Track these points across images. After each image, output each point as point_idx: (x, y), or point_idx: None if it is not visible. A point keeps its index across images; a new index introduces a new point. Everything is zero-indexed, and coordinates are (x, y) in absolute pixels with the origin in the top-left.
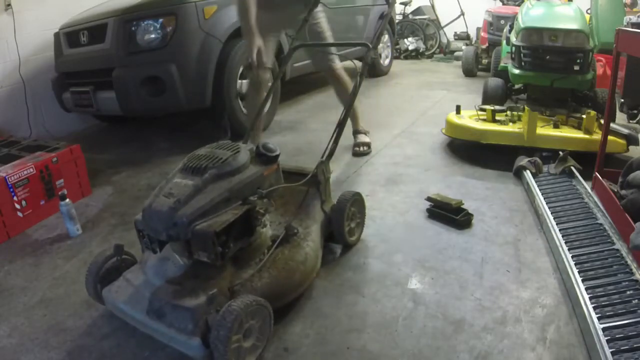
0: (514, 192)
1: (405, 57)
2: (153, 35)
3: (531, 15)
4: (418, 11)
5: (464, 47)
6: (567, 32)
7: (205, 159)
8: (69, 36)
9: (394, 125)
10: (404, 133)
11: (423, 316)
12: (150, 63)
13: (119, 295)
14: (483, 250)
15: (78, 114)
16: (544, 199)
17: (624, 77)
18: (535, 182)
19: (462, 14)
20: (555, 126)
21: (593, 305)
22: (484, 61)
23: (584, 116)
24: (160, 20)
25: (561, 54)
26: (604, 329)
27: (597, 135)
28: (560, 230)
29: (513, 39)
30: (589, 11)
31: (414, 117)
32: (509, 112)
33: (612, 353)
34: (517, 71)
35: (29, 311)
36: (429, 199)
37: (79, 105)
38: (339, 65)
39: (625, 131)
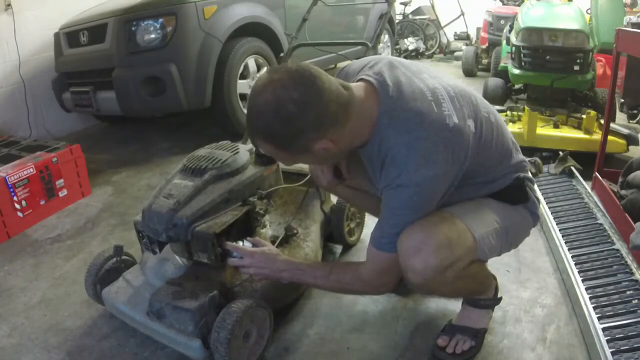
0: None
1: (405, 57)
2: (153, 35)
3: (531, 15)
4: (418, 11)
5: (464, 47)
6: (567, 32)
7: (204, 160)
8: (69, 36)
9: None
10: None
11: (423, 316)
12: (150, 63)
13: (118, 296)
14: None
15: (78, 114)
16: (544, 199)
17: (624, 77)
18: (535, 182)
19: (462, 14)
20: (555, 126)
21: (593, 305)
22: (484, 61)
23: (584, 116)
24: (160, 20)
25: (561, 54)
26: (604, 329)
27: (597, 135)
28: (560, 230)
29: (513, 39)
30: (589, 11)
31: None
32: (509, 112)
33: (612, 353)
34: (517, 71)
35: (29, 311)
36: None
37: (79, 105)
38: None
39: (625, 131)
